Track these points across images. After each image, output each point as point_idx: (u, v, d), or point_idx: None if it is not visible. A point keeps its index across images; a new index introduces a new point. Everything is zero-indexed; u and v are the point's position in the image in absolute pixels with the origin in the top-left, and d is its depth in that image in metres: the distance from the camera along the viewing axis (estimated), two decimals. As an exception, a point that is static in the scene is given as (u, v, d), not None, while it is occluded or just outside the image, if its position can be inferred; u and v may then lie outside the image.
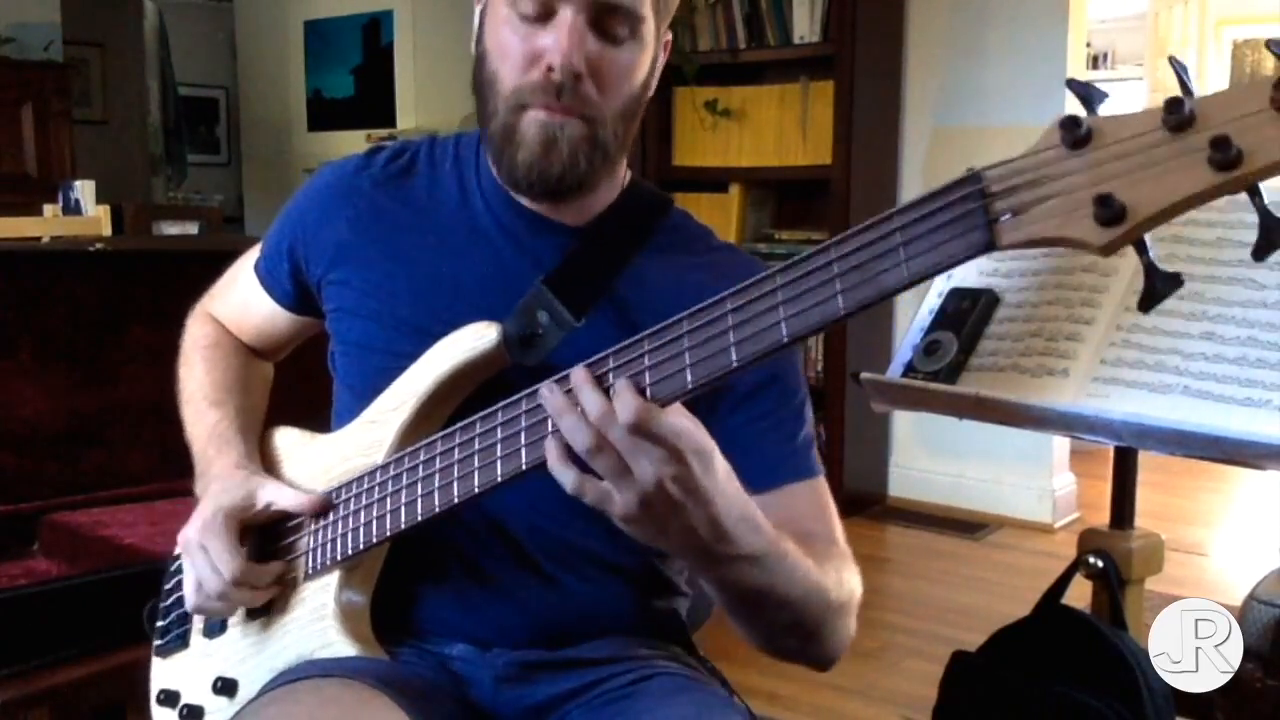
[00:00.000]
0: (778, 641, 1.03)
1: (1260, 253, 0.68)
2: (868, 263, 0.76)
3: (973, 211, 0.72)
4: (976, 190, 0.72)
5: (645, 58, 1.03)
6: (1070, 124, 0.70)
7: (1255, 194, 0.67)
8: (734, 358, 0.81)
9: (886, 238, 0.75)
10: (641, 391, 0.83)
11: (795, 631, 1.00)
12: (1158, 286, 0.71)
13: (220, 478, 1.10)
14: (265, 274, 1.22)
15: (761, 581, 0.93)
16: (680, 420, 0.82)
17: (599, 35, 0.99)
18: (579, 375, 0.85)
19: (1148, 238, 0.70)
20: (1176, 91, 0.69)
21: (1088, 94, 0.71)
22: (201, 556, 1.05)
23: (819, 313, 0.78)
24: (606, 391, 0.83)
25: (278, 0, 6.47)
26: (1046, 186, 0.71)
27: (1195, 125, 0.67)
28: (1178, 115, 0.67)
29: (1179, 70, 0.70)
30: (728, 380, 0.83)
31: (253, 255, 1.24)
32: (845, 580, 1.02)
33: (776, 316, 0.79)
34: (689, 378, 0.82)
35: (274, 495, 1.08)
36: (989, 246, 0.72)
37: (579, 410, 0.83)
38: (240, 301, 1.26)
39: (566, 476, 0.85)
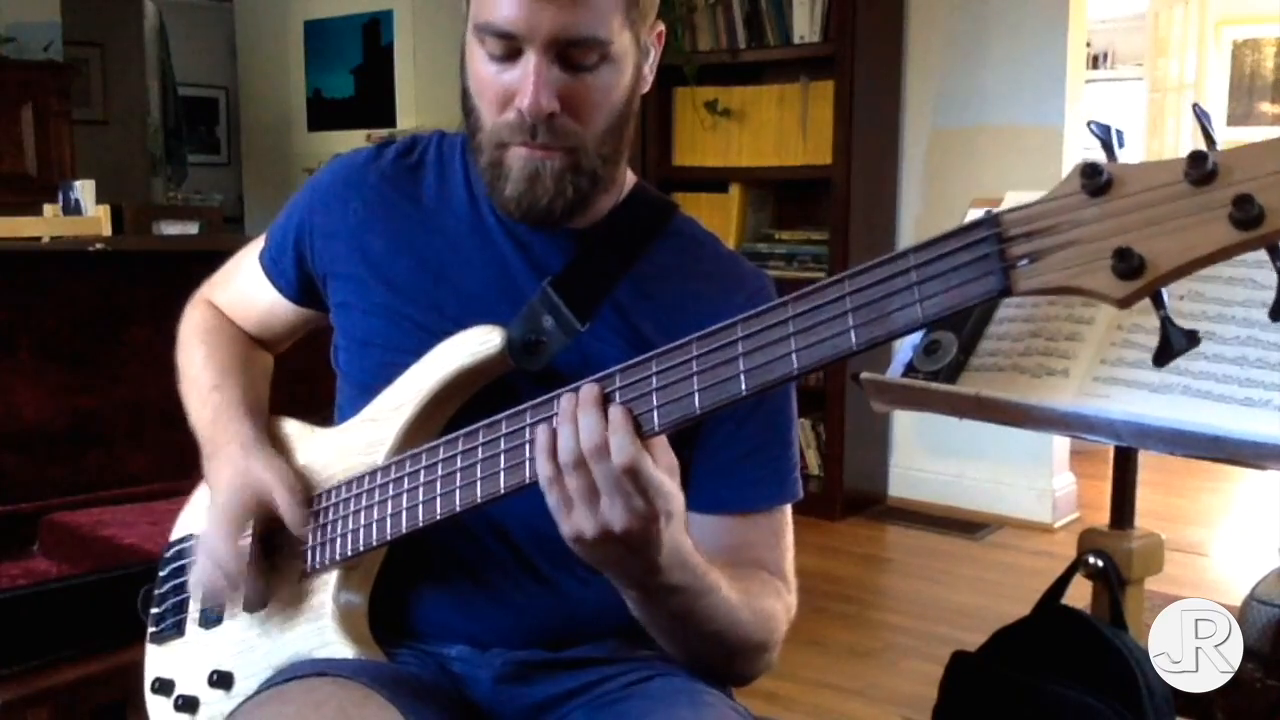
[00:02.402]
0: (686, 658, 1.05)
1: (1278, 313, 0.68)
2: (882, 299, 0.75)
3: (989, 256, 0.71)
4: (994, 234, 0.72)
5: (622, 75, 1.00)
6: (1091, 171, 0.69)
7: (1276, 253, 0.67)
8: (744, 386, 0.80)
9: (902, 274, 0.75)
10: (647, 415, 0.83)
11: (706, 656, 1.03)
12: (1173, 342, 0.70)
13: (231, 461, 1.09)
14: (270, 265, 1.21)
15: (680, 609, 0.95)
16: (667, 480, 0.84)
17: (567, 67, 0.96)
18: (588, 393, 0.85)
19: (1164, 291, 0.69)
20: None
21: (1108, 138, 0.70)
22: (208, 552, 1.06)
23: (831, 345, 0.77)
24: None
25: (278, 0, 6.47)
26: (1065, 234, 0.70)
27: (1217, 180, 0.66)
28: (1200, 169, 0.66)
29: (1202, 118, 0.69)
30: (734, 407, 0.82)
31: (256, 246, 1.24)
32: (772, 616, 1.04)
33: (788, 347, 0.78)
34: (696, 403, 0.82)
35: (278, 500, 1.05)
36: (1005, 292, 0.71)
37: (576, 425, 0.84)
38: (242, 292, 1.26)
39: (545, 468, 0.86)
